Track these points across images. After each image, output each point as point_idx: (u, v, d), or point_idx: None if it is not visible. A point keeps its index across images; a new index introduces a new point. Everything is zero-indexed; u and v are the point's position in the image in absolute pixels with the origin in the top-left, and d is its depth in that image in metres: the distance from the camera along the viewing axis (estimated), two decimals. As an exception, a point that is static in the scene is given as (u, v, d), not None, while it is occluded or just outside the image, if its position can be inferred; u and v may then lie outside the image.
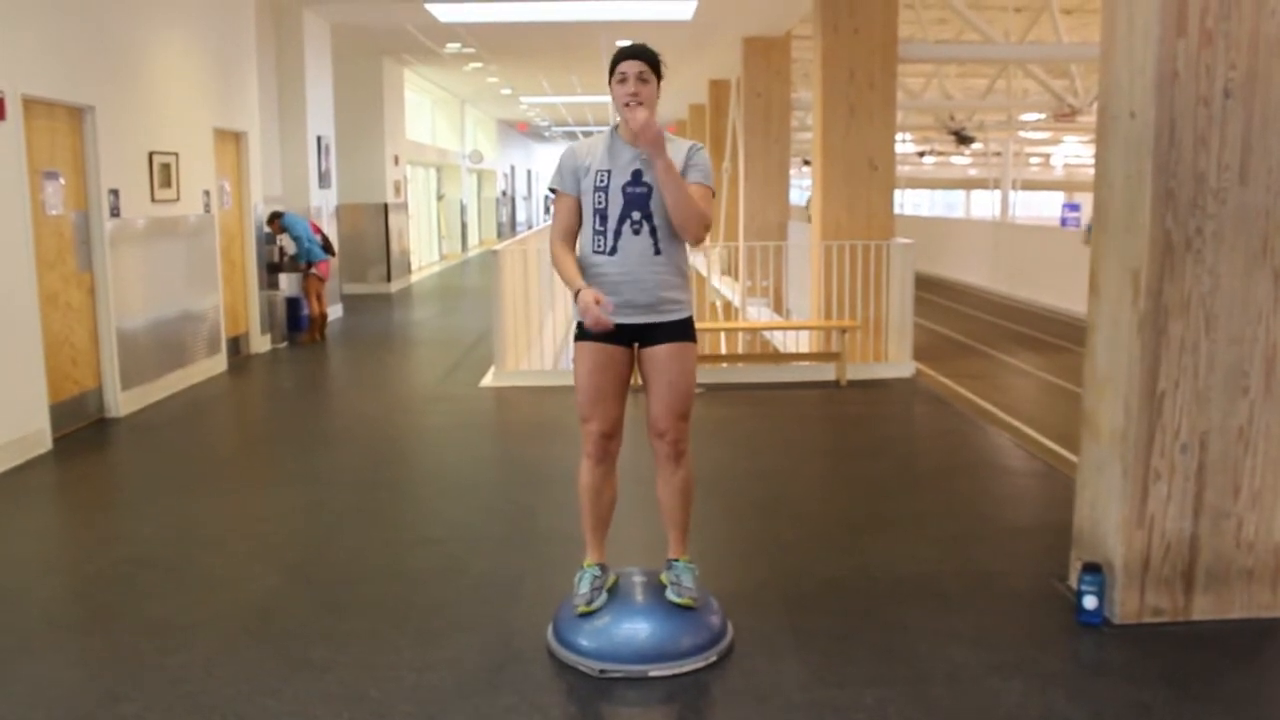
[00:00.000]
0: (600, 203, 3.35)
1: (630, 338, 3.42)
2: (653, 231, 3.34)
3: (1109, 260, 3.77)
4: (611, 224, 3.34)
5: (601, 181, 3.36)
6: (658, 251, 3.36)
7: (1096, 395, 3.86)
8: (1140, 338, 3.58)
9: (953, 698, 3.23)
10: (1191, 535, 3.70)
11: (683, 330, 3.44)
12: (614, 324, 3.27)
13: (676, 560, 3.58)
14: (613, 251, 3.35)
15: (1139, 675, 3.38)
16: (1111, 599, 3.73)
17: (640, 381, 3.51)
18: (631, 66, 3.34)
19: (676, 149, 3.39)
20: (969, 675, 3.37)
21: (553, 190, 3.50)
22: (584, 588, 3.54)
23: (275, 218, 10.68)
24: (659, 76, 3.42)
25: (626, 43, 3.49)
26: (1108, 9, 3.74)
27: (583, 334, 3.43)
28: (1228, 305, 3.58)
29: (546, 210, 45.48)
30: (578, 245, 3.49)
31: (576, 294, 3.29)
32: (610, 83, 3.42)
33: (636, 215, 3.33)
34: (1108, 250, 3.79)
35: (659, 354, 3.40)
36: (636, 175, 3.34)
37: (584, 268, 3.41)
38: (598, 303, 3.22)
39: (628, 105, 3.35)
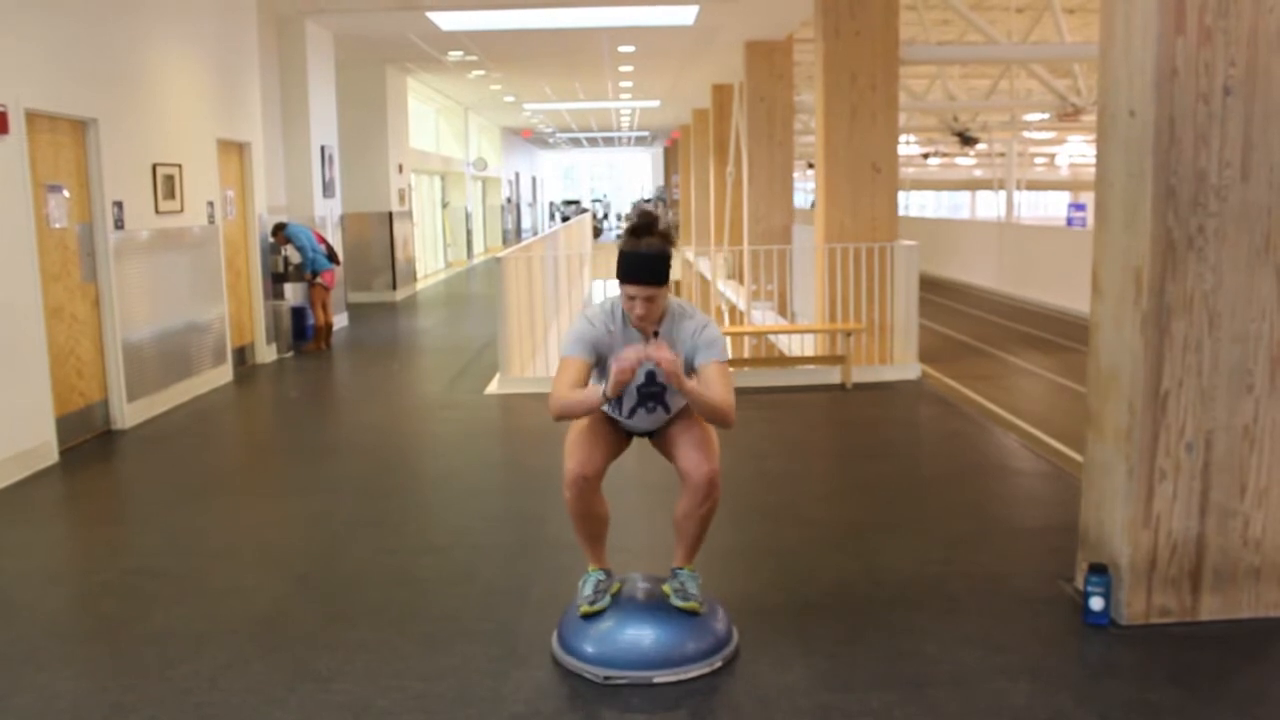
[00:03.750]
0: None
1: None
2: (666, 409, 3.52)
3: (1111, 259, 3.76)
4: (627, 407, 3.50)
5: None
6: (668, 412, 3.54)
7: (1100, 395, 3.84)
8: (1143, 336, 3.57)
9: (959, 700, 3.22)
10: (1198, 534, 3.69)
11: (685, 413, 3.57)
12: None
13: (681, 569, 3.59)
14: (629, 416, 3.54)
15: (1146, 676, 3.37)
16: (1118, 600, 3.71)
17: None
18: (639, 291, 3.26)
19: (682, 331, 3.39)
20: (975, 677, 3.36)
21: (566, 356, 3.38)
22: (588, 590, 3.57)
23: (279, 229, 10.70)
24: (668, 277, 3.32)
25: (637, 248, 3.30)
26: (1106, 8, 3.73)
27: None
28: (1231, 303, 3.57)
29: (551, 216, 45.60)
30: None
31: (604, 394, 3.23)
32: (618, 275, 3.31)
33: (651, 404, 3.49)
34: (1110, 249, 3.78)
35: (675, 424, 3.55)
36: (650, 377, 3.41)
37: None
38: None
39: (643, 331, 3.36)
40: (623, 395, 3.41)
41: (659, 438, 3.62)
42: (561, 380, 3.34)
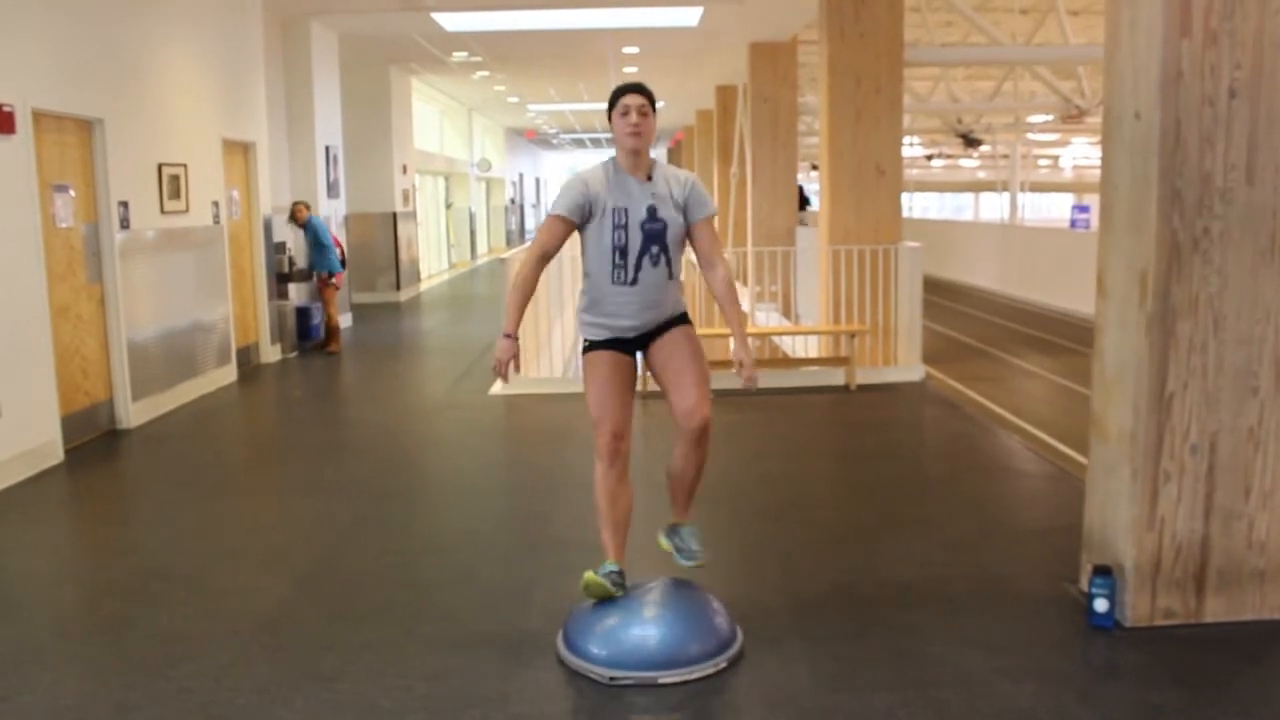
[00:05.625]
0: (620, 240, 3.50)
1: (635, 346, 3.65)
2: (668, 262, 3.56)
3: (1116, 261, 3.77)
4: (632, 258, 3.52)
5: (620, 220, 3.50)
6: (671, 275, 3.59)
7: (1105, 397, 3.84)
8: (1148, 339, 3.57)
9: (963, 702, 3.22)
10: (1202, 537, 3.68)
11: (683, 318, 3.70)
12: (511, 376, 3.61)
13: (680, 524, 3.74)
14: (633, 283, 3.54)
15: (1151, 678, 3.37)
16: (1122, 601, 3.71)
17: (646, 384, 3.58)
18: (634, 100, 3.51)
19: (673, 182, 3.58)
20: (980, 679, 3.36)
21: (554, 214, 3.56)
22: (604, 572, 3.55)
23: (303, 207, 10.70)
24: (655, 107, 3.59)
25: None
26: (1111, 10, 3.73)
27: (591, 346, 3.65)
28: (1236, 305, 3.56)
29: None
30: (589, 274, 3.63)
31: (505, 335, 3.52)
32: (611, 115, 3.57)
33: (655, 249, 3.52)
34: (1115, 251, 3.78)
35: (669, 336, 3.63)
36: (652, 211, 3.52)
37: (600, 297, 3.59)
38: (506, 364, 3.54)
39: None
40: (628, 244, 3.49)
41: (656, 353, 3.64)
42: (538, 240, 3.57)
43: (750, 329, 12.03)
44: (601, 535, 3.63)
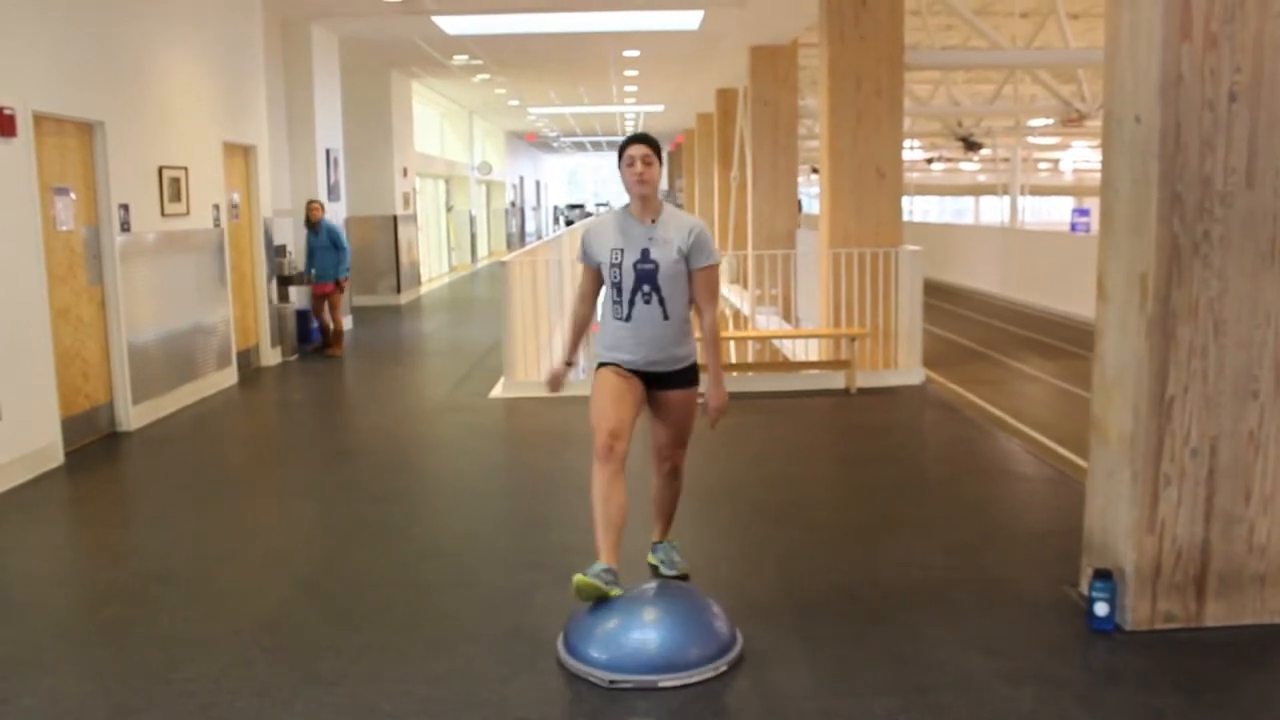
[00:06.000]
0: (616, 277, 3.84)
1: (648, 380, 3.91)
2: (661, 302, 3.81)
3: (1116, 265, 3.77)
4: (626, 295, 3.83)
5: (616, 259, 3.83)
6: (666, 316, 3.83)
7: (1105, 400, 3.84)
8: (1148, 342, 3.57)
9: (964, 706, 3.22)
10: (1203, 540, 3.68)
11: (689, 378, 3.95)
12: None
13: (661, 542, 4.14)
14: (628, 319, 3.84)
15: (1151, 682, 3.37)
16: (1123, 605, 3.71)
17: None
18: (639, 150, 3.82)
19: (679, 226, 3.86)
20: (980, 683, 3.36)
21: (579, 261, 4.07)
22: (596, 570, 3.54)
23: (317, 207, 10.66)
24: (660, 159, 3.91)
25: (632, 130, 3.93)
26: (1111, 13, 3.73)
27: (601, 365, 3.96)
28: (1236, 309, 3.57)
29: (556, 220, 45.62)
30: (600, 307, 4.04)
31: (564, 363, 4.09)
32: (620, 165, 3.90)
33: (646, 288, 3.81)
34: (1115, 255, 3.78)
35: (670, 398, 3.92)
36: (645, 253, 3.81)
37: (606, 329, 3.95)
38: (555, 379, 4.06)
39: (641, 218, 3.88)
40: (622, 282, 3.81)
41: (656, 407, 3.94)
42: (579, 287, 4.12)
43: (750, 332, 12.05)
44: (595, 535, 3.64)
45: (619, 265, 3.81)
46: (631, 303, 3.81)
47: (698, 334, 3.95)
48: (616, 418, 3.73)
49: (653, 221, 3.83)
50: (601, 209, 49.48)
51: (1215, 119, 3.48)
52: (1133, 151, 3.63)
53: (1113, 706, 3.23)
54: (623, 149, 3.88)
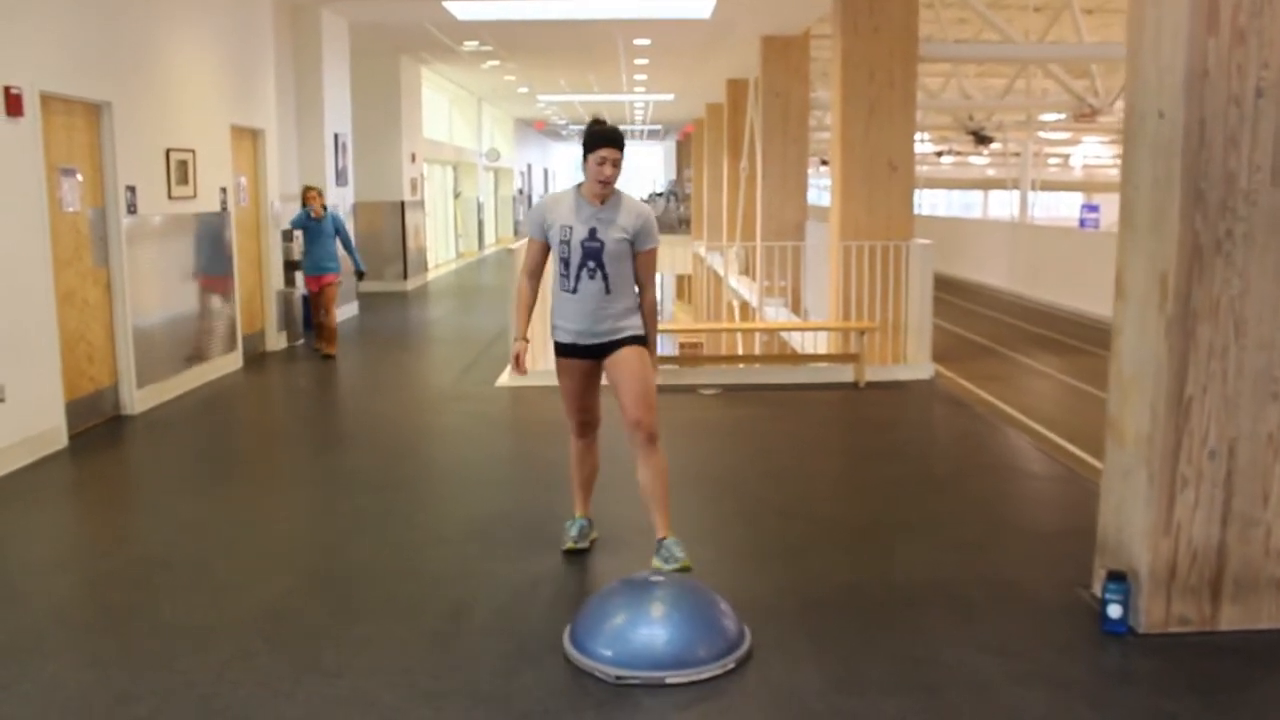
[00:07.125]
0: (565, 252, 4.15)
1: (595, 355, 4.23)
2: (605, 277, 4.13)
3: (1136, 262, 3.71)
4: (573, 269, 4.15)
5: (565, 235, 4.14)
6: (608, 291, 4.15)
7: (1122, 399, 3.79)
8: (1168, 341, 3.52)
9: (974, 707, 3.18)
10: (1219, 543, 3.63)
11: (636, 339, 4.23)
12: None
13: (664, 539, 4.14)
14: (574, 290, 4.17)
15: (1165, 685, 3.32)
16: (1137, 607, 3.66)
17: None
18: (611, 154, 4.07)
19: (627, 210, 4.16)
20: (991, 684, 3.32)
21: (528, 235, 4.34)
22: (573, 531, 4.45)
23: (315, 194, 9.82)
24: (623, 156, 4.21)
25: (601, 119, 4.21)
26: (1135, 7, 3.67)
27: (557, 348, 4.30)
28: (1258, 309, 3.51)
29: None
30: (551, 279, 4.33)
31: (515, 339, 4.38)
32: (586, 156, 4.11)
33: (591, 264, 4.12)
34: (1135, 252, 3.72)
35: (620, 355, 4.19)
36: (592, 232, 4.12)
37: (556, 301, 4.26)
38: (518, 359, 4.35)
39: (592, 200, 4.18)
40: (569, 257, 4.12)
41: (610, 370, 4.22)
42: (525, 263, 4.33)
43: (759, 324, 11.99)
44: (571, 490, 4.50)
45: (568, 242, 4.12)
46: (578, 276, 4.13)
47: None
48: (581, 407, 4.34)
49: (602, 204, 4.13)
50: None
51: (1241, 115, 3.41)
52: (1155, 147, 3.57)
53: (1125, 709, 3.19)
54: (595, 143, 4.07)
